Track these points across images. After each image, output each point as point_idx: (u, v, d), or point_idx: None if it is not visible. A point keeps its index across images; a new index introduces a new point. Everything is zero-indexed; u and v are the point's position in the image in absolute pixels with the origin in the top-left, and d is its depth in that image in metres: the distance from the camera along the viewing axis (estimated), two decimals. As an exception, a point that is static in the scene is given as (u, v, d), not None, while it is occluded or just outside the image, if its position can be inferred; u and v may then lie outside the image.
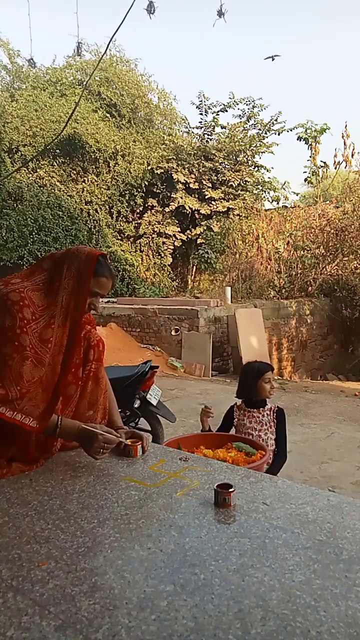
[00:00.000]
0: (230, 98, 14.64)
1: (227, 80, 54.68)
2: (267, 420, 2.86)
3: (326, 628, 0.89)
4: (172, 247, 14.69)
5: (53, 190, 13.55)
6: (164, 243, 14.58)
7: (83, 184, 14.55)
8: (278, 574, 1.05)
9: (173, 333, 9.79)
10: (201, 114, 15.14)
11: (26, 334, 1.52)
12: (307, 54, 58.63)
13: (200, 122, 15.27)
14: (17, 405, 1.49)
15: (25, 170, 14.12)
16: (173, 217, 14.59)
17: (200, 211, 14.29)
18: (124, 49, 23.29)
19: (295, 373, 10.91)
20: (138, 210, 15.13)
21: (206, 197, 14.29)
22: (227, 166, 14.50)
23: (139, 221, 14.88)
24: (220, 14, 5.97)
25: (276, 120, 14.41)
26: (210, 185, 14.27)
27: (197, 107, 15.03)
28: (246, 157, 14.65)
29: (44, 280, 1.62)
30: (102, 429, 1.67)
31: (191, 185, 14.18)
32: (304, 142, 15.85)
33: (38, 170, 14.46)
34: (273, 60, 6.30)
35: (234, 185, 14.35)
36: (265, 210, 15.34)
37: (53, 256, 1.69)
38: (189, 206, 14.19)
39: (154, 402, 4.37)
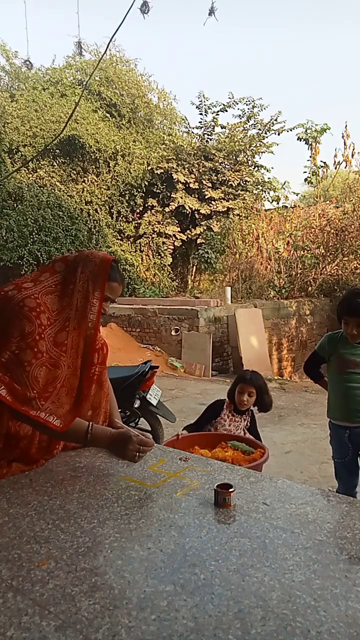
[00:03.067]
0: (229, 98, 14.65)
1: (227, 80, 54.72)
2: (243, 425, 2.96)
3: (326, 628, 0.89)
4: (172, 247, 14.68)
5: (53, 191, 13.53)
6: (164, 243, 14.57)
7: (83, 184, 14.55)
8: (278, 574, 1.05)
9: (173, 333, 9.79)
10: (201, 114, 15.14)
11: (43, 340, 1.52)
12: (307, 54, 58.64)
13: (200, 122, 15.27)
14: (40, 404, 1.49)
15: (25, 171, 14.11)
16: (173, 217, 14.58)
17: (200, 211, 14.28)
18: (124, 49, 23.30)
19: (295, 373, 10.91)
20: (138, 210, 15.12)
21: (206, 197, 14.28)
22: (227, 166, 14.49)
23: (139, 221, 14.87)
24: (211, 12, 6.04)
25: (276, 120, 14.41)
26: (210, 185, 14.26)
27: (196, 107, 15.03)
28: (246, 157, 14.64)
29: (57, 282, 1.62)
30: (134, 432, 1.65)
31: (191, 185, 14.17)
32: (304, 142, 15.87)
33: (38, 170, 14.45)
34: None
35: (234, 185, 14.34)
36: (265, 210, 15.35)
37: (65, 259, 1.68)
38: (189, 206, 14.19)
39: (154, 402, 4.38)
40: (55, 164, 14.57)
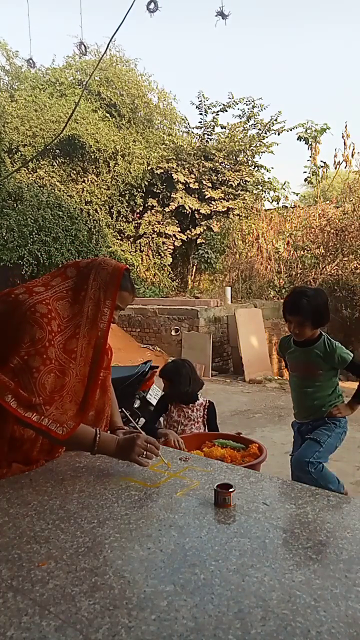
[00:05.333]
0: (229, 98, 14.66)
1: (227, 81, 54.73)
2: (197, 416, 2.95)
3: (326, 628, 0.89)
4: (172, 247, 14.69)
5: (53, 190, 13.53)
6: (164, 243, 14.58)
7: (83, 184, 14.55)
8: (278, 574, 1.05)
9: (173, 333, 9.80)
10: (201, 114, 15.16)
11: (53, 346, 1.51)
12: (307, 54, 58.64)
13: (200, 122, 15.28)
14: (44, 410, 1.47)
15: (25, 170, 14.10)
16: (173, 217, 14.59)
17: (200, 211, 14.29)
18: (124, 49, 23.25)
19: (295, 373, 10.88)
20: (138, 210, 15.12)
21: (206, 197, 14.29)
22: (227, 166, 14.49)
23: (139, 221, 14.88)
24: (223, 15, 5.97)
25: (276, 120, 14.41)
26: (210, 185, 14.26)
27: (196, 107, 15.04)
28: (246, 157, 14.65)
29: (68, 288, 1.61)
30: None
31: (191, 185, 14.18)
32: (304, 142, 15.84)
33: (38, 170, 14.45)
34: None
35: (234, 185, 14.34)
36: (265, 210, 15.34)
37: (77, 264, 1.67)
38: (189, 206, 14.19)
39: (154, 402, 4.38)
40: (55, 163, 14.57)
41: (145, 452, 1.57)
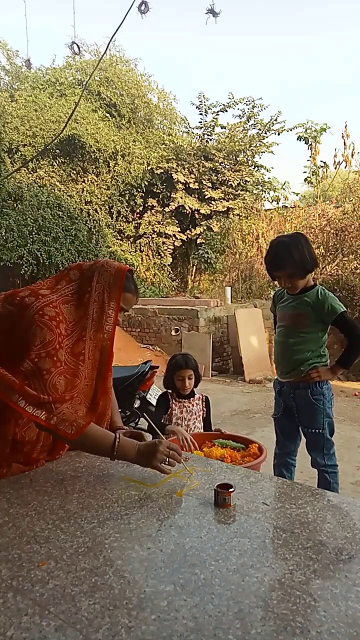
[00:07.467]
0: (229, 98, 14.67)
1: (227, 81, 54.79)
2: (197, 410, 2.97)
3: (326, 628, 0.89)
4: (172, 247, 14.69)
5: (53, 190, 13.54)
6: (164, 243, 14.58)
7: (83, 184, 14.55)
8: (278, 574, 1.05)
9: (173, 333, 9.80)
10: (201, 114, 15.17)
11: (62, 349, 1.51)
12: (307, 54, 58.64)
13: (200, 122, 15.30)
14: (54, 408, 1.45)
15: (25, 170, 14.11)
16: (173, 217, 14.60)
17: (200, 211, 14.29)
18: (124, 49, 23.24)
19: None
20: (138, 210, 15.13)
21: (206, 197, 14.29)
22: (227, 166, 14.50)
23: (139, 221, 14.89)
24: (214, 13, 6.01)
25: (276, 120, 14.42)
26: (210, 185, 14.27)
27: (196, 107, 15.06)
28: (246, 157, 14.65)
29: (73, 291, 1.60)
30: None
31: (191, 185, 14.18)
32: (304, 142, 15.86)
33: (38, 170, 14.46)
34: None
35: (234, 185, 14.35)
36: (265, 210, 15.34)
37: (80, 267, 1.67)
38: (189, 206, 14.20)
39: (154, 402, 4.38)
40: (55, 163, 14.57)
41: (167, 459, 1.51)
